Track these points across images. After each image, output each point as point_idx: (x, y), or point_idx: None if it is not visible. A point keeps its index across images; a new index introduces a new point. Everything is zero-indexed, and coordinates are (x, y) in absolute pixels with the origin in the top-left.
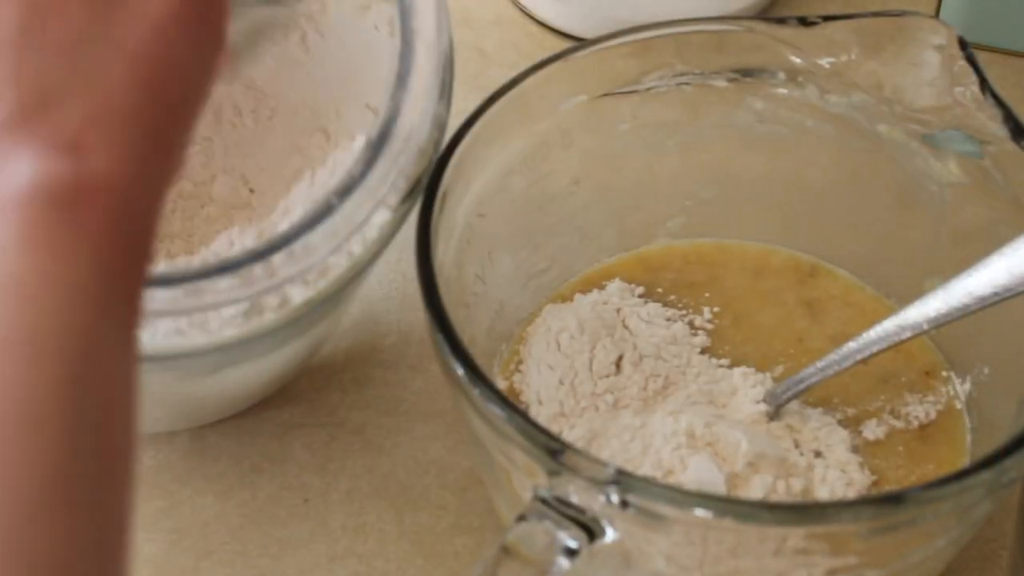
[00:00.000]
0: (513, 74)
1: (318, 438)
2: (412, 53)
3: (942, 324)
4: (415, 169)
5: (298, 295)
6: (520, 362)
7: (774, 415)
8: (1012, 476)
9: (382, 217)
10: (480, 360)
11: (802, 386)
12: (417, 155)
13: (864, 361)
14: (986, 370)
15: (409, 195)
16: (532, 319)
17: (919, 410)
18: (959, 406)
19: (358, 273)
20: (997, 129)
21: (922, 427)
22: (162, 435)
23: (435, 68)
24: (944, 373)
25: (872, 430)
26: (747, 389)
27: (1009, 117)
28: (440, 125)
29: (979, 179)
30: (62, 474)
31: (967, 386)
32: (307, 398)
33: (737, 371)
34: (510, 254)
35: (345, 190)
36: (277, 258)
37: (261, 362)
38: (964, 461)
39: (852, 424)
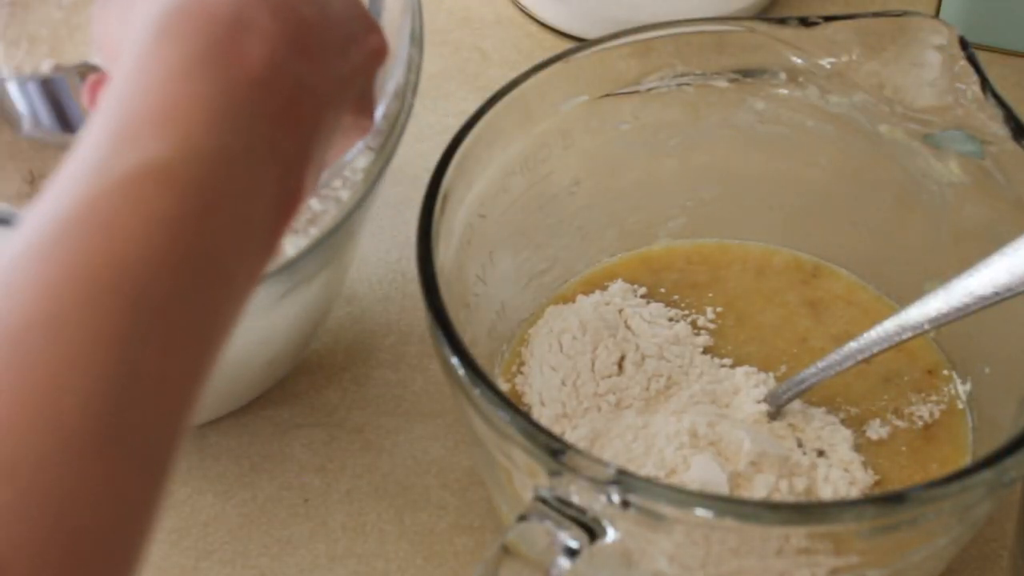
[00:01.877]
0: (513, 74)
1: (318, 438)
2: None
3: (943, 324)
4: (393, 110)
5: (290, 245)
6: (522, 363)
7: (775, 415)
8: (1012, 476)
9: (365, 160)
10: (481, 360)
11: (803, 386)
12: (394, 96)
13: (866, 361)
14: (987, 370)
15: (389, 136)
16: (534, 320)
17: (922, 410)
18: (961, 406)
19: (347, 219)
20: (998, 129)
21: (925, 427)
22: None
23: (404, 10)
24: (945, 372)
25: (875, 430)
26: (749, 389)
27: (1010, 117)
28: (414, 68)
29: (980, 179)
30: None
31: (968, 386)
32: (307, 398)
33: (740, 371)
34: (511, 254)
35: None
36: None
37: (261, 325)
38: (966, 461)
39: (855, 424)
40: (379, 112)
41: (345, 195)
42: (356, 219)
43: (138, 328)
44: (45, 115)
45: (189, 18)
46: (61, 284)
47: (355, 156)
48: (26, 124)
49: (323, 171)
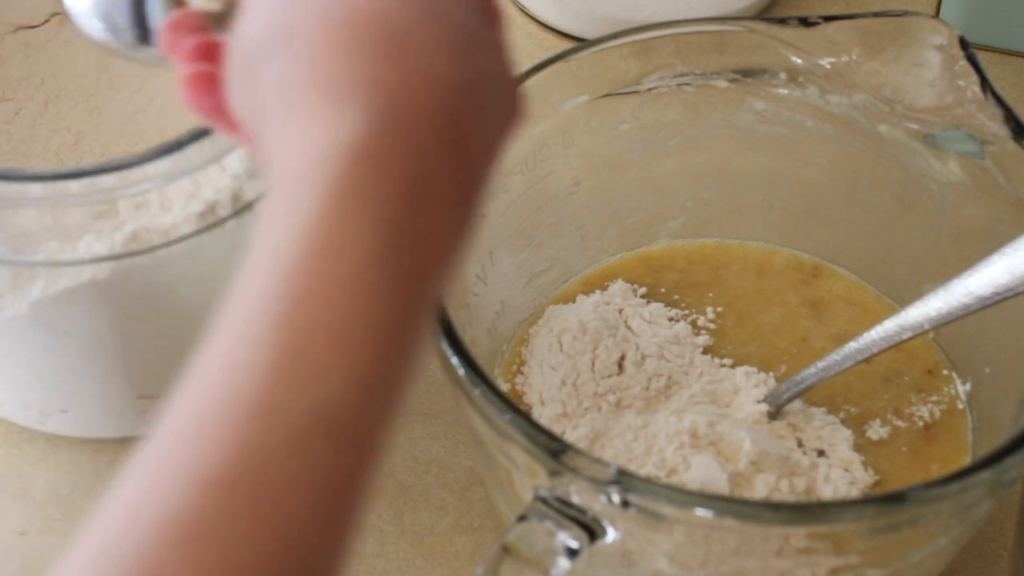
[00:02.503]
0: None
1: None
2: None
3: (943, 324)
4: None
5: (252, 191)
6: (522, 363)
7: (775, 415)
8: (1012, 475)
9: None
10: (481, 360)
11: (803, 386)
12: None
13: (866, 361)
14: (987, 370)
15: None
16: (534, 320)
17: (923, 410)
18: (961, 406)
19: None
20: (998, 129)
21: (926, 427)
22: None
23: None
24: (945, 372)
25: (875, 430)
26: (750, 389)
27: (1010, 117)
28: None
29: (980, 179)
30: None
31: (968, 386)
32: None
33: (740, 371)
34: (511, 254)
35: None
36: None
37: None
38: (966, 461)
39: (855, 424)
40: None
41: None
42: None
43: None
44: (127, 27)
45: (380, 181)
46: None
47: None
48: (98, 31)
49: None
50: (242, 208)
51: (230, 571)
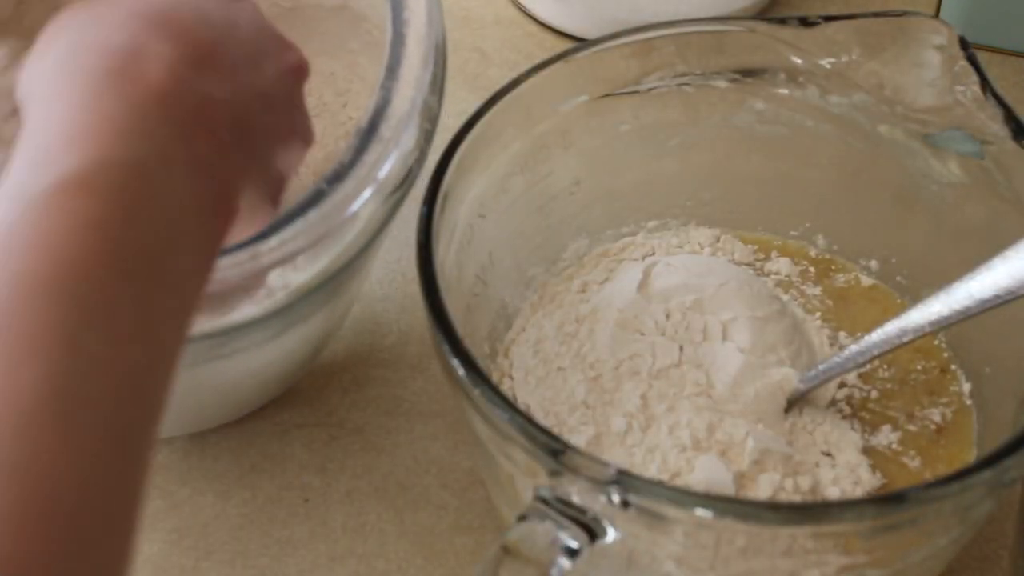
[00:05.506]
0: (513, 74)
1: (318, 438)
2: (403, 44)
3: (944, 327)
4: (406, 160)
5: (281, 281)
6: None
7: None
8: (1012, 475)
9: (371, 208)
10: (481, 360)
11: (801, 391)
12: (408, 147)
13: (868, 363)
14: (987, 370)
15: (400, 186)
16: (534, 320)
17: (934, 413)
18: (968, 403)
19: (348, 264)
20: (998, 129)
21: (937, 430)
22: (161, 436)
23: (425, 59)
24: (953, 367)
25: (886, 435)
26: (728, 347)
27: (1010, 117)
28: (432, 117)
29: (980, 179)
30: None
31: (968, 385)
32: (307, 398)
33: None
34: (511, 254)
35: (335, 177)
36: (267, 244)
37: (259, 354)
38: (973, 459)
39: (864, 426)
40: (393, 159)
41: (348, 239)
42: (359, 263)
43: (81, 318)
44: None
45: (86, 52)
46: (2, 289)
47: (362, 203)
48: None
49: (280, 181)
50: (280, 307)
51: (5, 287)
